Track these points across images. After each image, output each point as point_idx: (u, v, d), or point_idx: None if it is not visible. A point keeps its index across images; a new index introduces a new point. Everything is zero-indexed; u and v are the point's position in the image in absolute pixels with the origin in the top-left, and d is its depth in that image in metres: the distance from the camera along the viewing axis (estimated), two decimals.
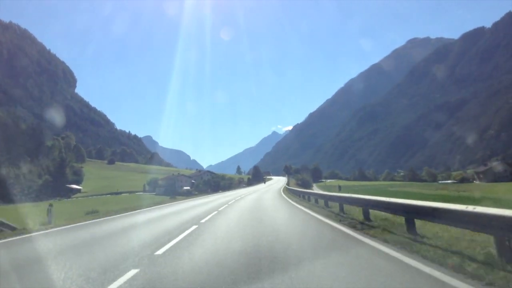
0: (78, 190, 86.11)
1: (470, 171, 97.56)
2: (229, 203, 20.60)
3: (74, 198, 70.80)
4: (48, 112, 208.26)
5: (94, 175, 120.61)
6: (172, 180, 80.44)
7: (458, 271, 4.05)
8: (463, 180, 79.82)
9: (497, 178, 68.75)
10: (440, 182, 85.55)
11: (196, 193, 69.19)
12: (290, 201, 20.81)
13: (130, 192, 77.79)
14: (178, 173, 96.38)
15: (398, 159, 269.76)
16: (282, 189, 47.76)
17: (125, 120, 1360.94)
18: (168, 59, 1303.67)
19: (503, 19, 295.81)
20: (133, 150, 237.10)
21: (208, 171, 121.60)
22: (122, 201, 35.92)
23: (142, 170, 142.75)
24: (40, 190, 67.62)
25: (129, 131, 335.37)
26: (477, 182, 77.16)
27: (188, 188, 75.51)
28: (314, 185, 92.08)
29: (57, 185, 74.54)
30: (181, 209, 18.25)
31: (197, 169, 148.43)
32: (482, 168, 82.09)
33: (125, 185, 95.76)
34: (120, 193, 77.24)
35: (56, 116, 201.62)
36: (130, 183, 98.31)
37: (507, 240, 4.24)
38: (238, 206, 18.16)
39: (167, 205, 23.34)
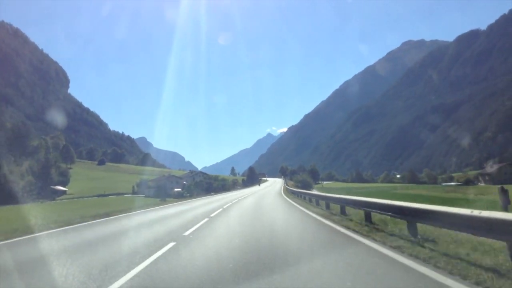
0: (64, 192, 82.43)
1: (471, 173, 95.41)
2: (211, 215, 13.72)
3: (59, 200, 67.31)
4: (50, 113, 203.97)
5: (83, 176, 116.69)
6: (163, 182, 76.96)
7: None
8: (467, 182, 76.93)
9: (503, 180, 66.03)
10: (443, 184, 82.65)
11: (188, 195, 66.06)
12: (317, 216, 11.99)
13: (118, 194, 74.34)
14: (169, 174, 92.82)
15: (394, 160, 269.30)
16: (283, 192, 42.30)
17: (119, 121, 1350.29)
18: (163, 61, 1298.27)
19: (498, 22, 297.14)
20: (125, 150, 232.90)
21: (201, 172, 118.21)
22: (100, 204, 32.62)
23: (133, 171, 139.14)
24: (21, 192, 63.87)
25: (123, 132, 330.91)
26: (482, 184, 74.31)
27: (180, 189, 72.16)
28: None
29: (41, 187, 70.89)
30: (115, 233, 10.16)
31: (190, 170, 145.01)
32: (488, 170, 79.48)
33: (114, 186, 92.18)
34: (108, 195, 73.73)
35: (57, 116, 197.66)
36: (120, 184, 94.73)
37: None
38: (223, 224, 11.04)
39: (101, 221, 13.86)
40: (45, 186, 74.83)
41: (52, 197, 71.17)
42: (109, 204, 34.00)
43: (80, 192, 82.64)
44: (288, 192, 40.29)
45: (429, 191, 56.09)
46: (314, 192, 30.47)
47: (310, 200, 20.59)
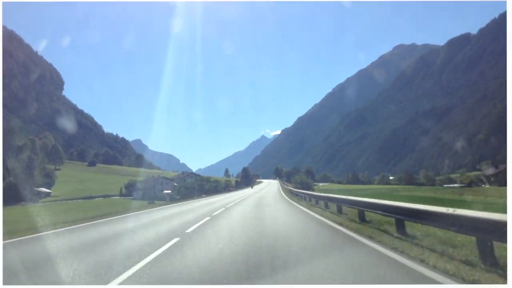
0: (48, 194, 79.33)
1: (470, 174, 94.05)
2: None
3: (41, 203, 64.32)
4: (44, 116, 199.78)
5: (71, 177, 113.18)
6: (152, 183, 74.28)
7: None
8: (471, 184, 75.01)
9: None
10: (444, 186, 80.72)
11: (178, 197, 63.68)
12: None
13: (105, 196, 71.61)
14: (159, 176, 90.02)
15: (386, 163, 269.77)
16: (284, 194, 36.21)
17: (115, 124, 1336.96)
18: (160, 64, 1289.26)
19: (488, 26, 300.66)
20: (117, 152, 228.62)
21: (193, 173, 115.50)
22: (76, 209, 30.29)
23: (125, 172, 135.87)
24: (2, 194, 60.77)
25: (117, 134, 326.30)
26: (486, 186, 72.72)
27: (169, 191, 69.72)
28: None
29: (22, 188, 67.77)
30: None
31: (181, 171, 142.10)
32: (493, 171, 77.75)
33: (102, 188, 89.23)
34: (94, 197, 71.02)
35: (51, 119, 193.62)
36: (109, 186, 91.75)
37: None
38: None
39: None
40: (28, 188, 71.65)
41: (35, 200, 68.10)
42: (88, 208, 31.61)
43: (66, 194, 79.55)
44: (292, 195, 34.46)
45: (437, 193, 52.64)
46: (340, 196, 22.67)
47: (326, 205, 16.16)
